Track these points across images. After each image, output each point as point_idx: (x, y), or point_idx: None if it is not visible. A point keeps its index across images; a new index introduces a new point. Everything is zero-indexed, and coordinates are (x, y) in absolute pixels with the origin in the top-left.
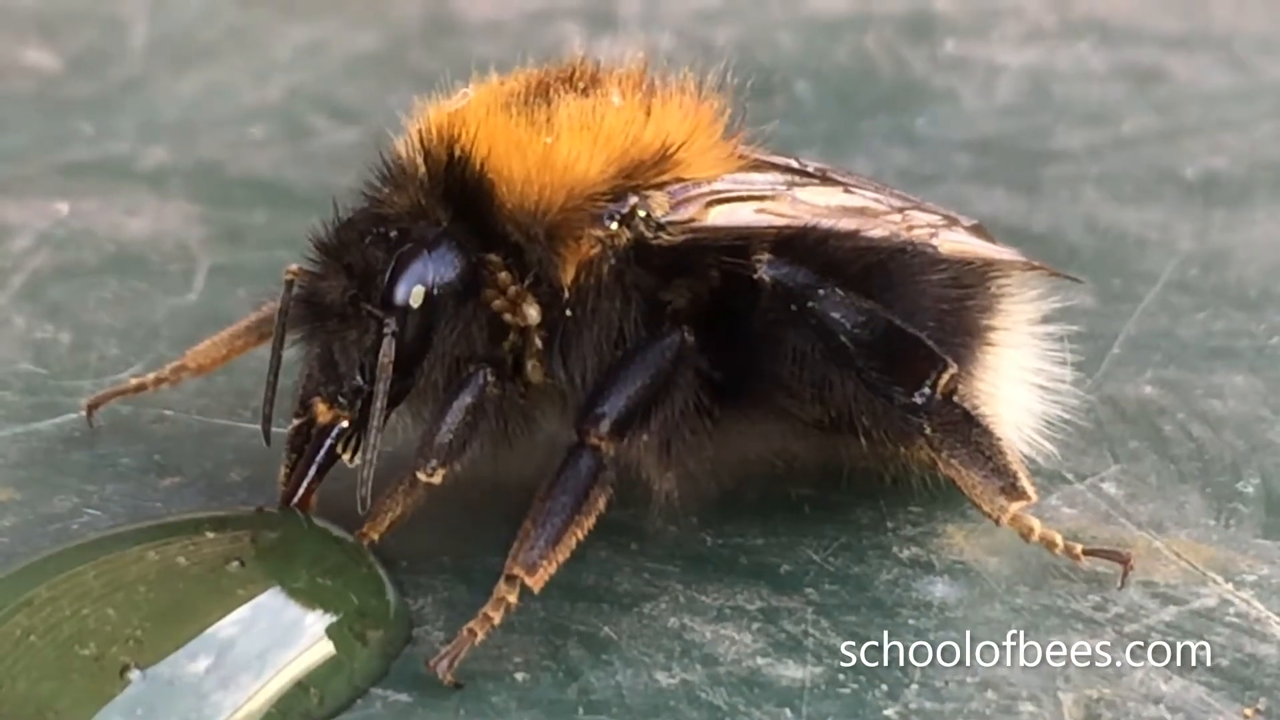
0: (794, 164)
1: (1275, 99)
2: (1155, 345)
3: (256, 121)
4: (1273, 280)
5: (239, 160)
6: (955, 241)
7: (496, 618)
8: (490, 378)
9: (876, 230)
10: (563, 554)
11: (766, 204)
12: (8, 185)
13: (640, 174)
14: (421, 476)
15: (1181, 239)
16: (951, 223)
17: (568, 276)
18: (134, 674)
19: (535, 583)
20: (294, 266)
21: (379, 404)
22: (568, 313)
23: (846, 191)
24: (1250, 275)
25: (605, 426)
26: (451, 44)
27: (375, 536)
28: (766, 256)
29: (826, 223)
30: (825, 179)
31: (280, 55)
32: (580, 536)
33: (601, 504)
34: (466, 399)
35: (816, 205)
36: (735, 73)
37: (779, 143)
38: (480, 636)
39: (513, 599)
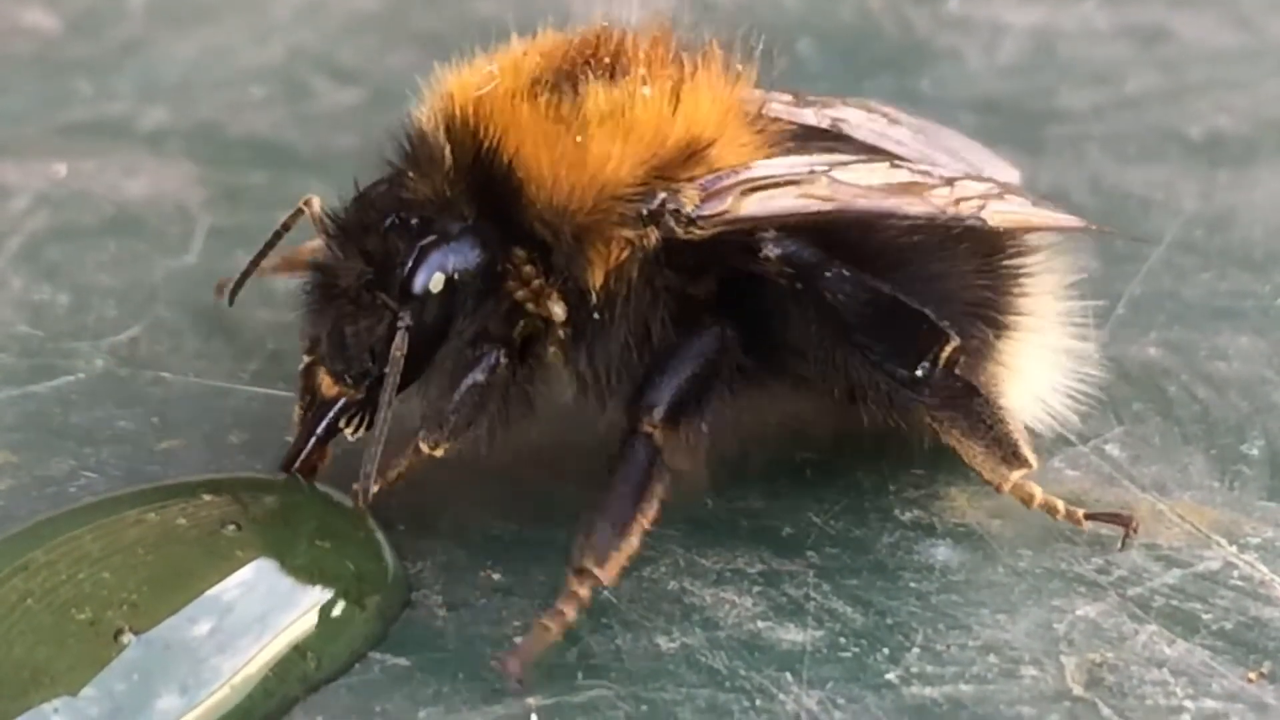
0: (832, 119)
1: None
2: (1160, 306)
3: (256, 82)
4: (1278, 240)
5: (238, 121)
6: (1005, 212)
7: (570, 613)
8: (503, 359)
9: (920, 207)
10: (631, 543)
11: (803, 188)
12: (6, 146)
13: (670, 169)
14: (424, 447)
15: (1186, 199)
16: (1004, 190)
17: (596, 280)
18: (129, 638)
19: (608, 574)
20: (314, 200)
21: (387, 397)
22: (595, 315)
23: (892, 167)
24: (1255, 235)
25: (659, 414)
26: (453, 3)
27: (375, 489)
28: (772, 234)
29: (867, 205)
30: (872, 151)
31: (280, 15)
32: (646, 525)
33: (661, 491)
34: (479, 377)
35: (857, 186)
36: (738, 32)
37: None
38: (555, 632)
39: (585, 592)
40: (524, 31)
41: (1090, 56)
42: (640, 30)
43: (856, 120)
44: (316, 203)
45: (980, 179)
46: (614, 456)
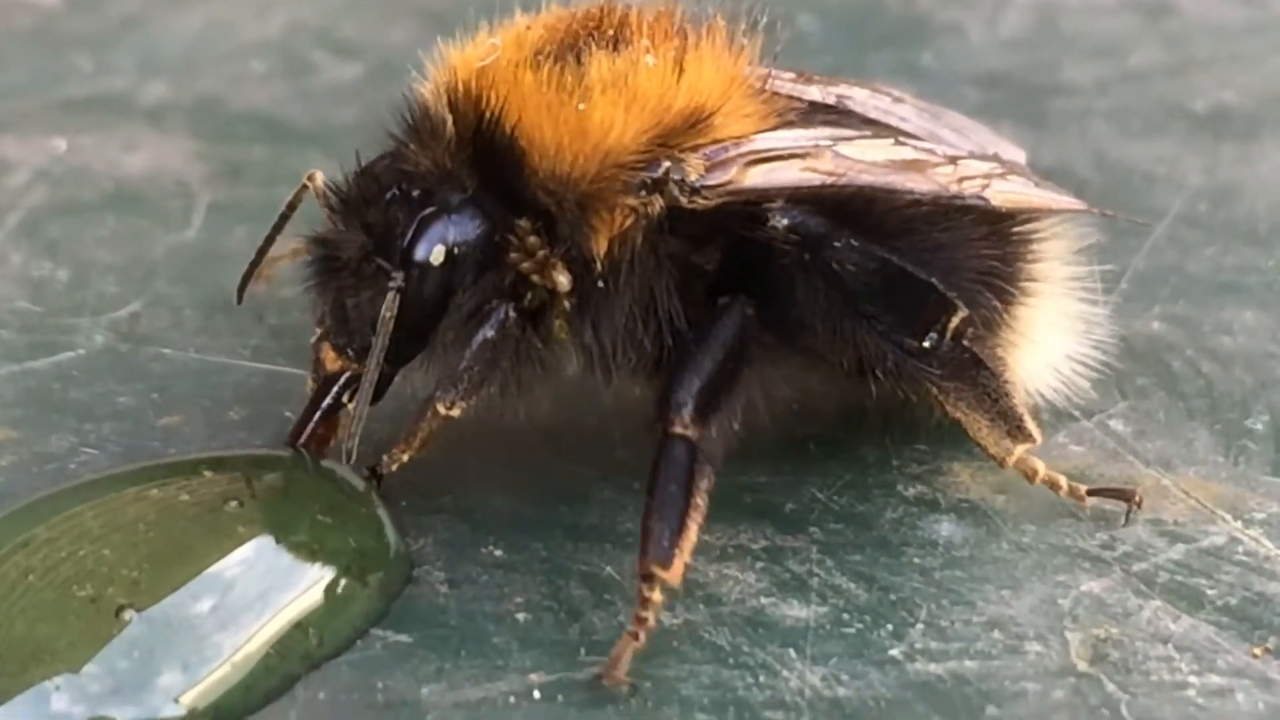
0: (838, 95)
1: None
2: (1164, 281)
3: (256, 57)
4: None
5: (239, 96)
6: (1008, 192)
7: (650, 618)
8: (512, 314)
9: (923, 185)
10: (689, 541)
11: (807, 162)
12: (6, 122)
13: (674, 138)
14: (441, 409)
15: (1190, 173)
16: (1007, 170)
17: (600, 248)
18: (130, 615)
19: (673, 576)
20: (318, 175)
21: (375, 359)
22: (599, 284)
23: (897, 143)
24: (1260, 210)
25: (688, 414)
26: None
27: (404, 459)
28: (779, 204)
29: (870, 180)
30: (877, 127)
31: None
32: (700, 521)
33: (706, 485)
34: (489, 333)
35: (861, 161)
36: (740, 7)
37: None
38: (643, 639)
39: (657, 597)
40: (527, 9)
41: (1094, 30)
42: (643, 6)
43: (861, 98)
44: (319, 177)
45: (984, 158)
46: (653, 460)
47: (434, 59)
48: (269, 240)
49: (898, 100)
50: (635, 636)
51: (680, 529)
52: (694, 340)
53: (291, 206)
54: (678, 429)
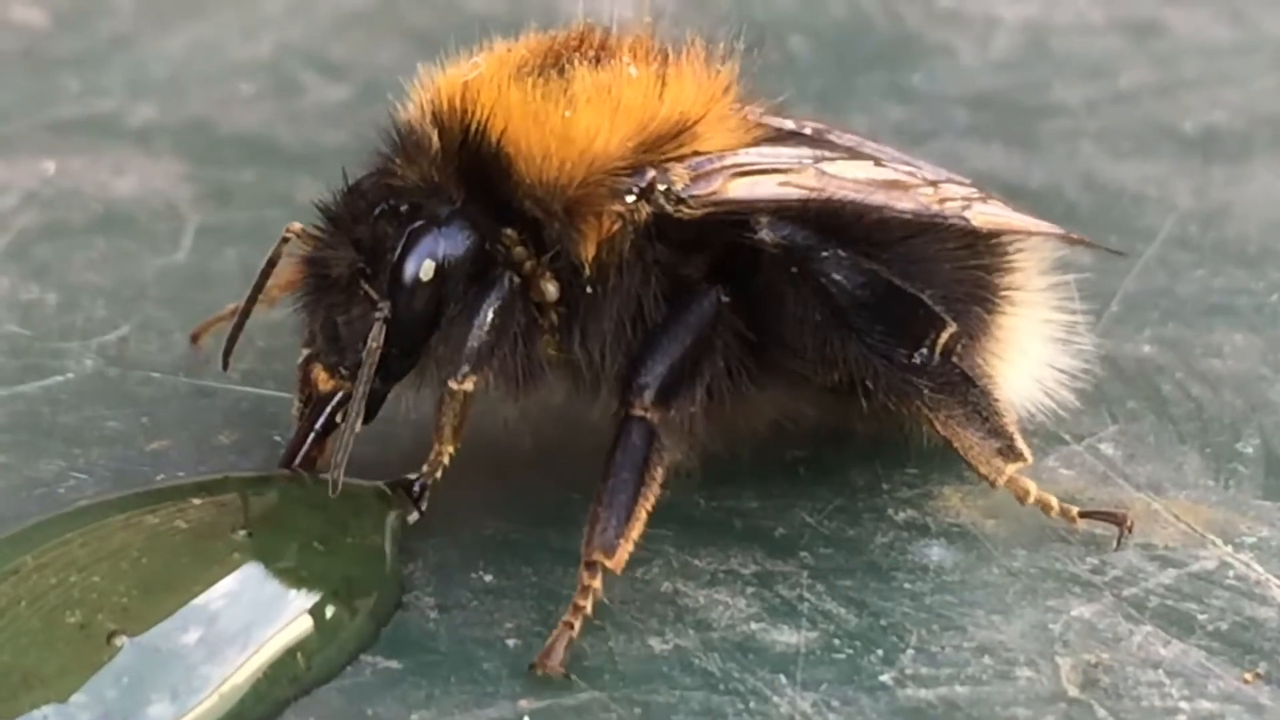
0: (813, 128)
1: (1275, 52)
2: (1154, 303)
3: (246, 78)
4: (1272, 236)
5: (228, 118)
6: (989, 214)
7: (587, 606)
8: (516, 280)
9: (905, 203)
10: (636, 529)
11: (790, 176)
12: None
13: (659, 147)
14: (452, 384)
15: (1180, 195)
16: (986, 195)
17: (588, 253)
18: (121, 641)
19: (616, 564)
20: (296, 226)
21: (362, 387)
22: (587, 290)
23: (877, 165)
24: (1250, 231)
25: (649, 396)
26: None
27: (445, 460)
28: (767, 219)
29: (853, 196)
30: (855, 153)
31: (270, 10)
32: (649, 509)
33: (661, 473)
34: (494, 301)
35: (844, 179)
36: (729, 28)
37: (773, 100)
38: (578, 628)
39: (597, 584)
40: (513, 29)
41: (1083, 51)
42: (623, 27)
43: (835, 130)
44: (298, 227)
45: (963, 182)
46: (611, 441)
47: (417, 80)
48: (251, 299)
49: (868, 139)
50: (570, 626)
51: (629, 517)
52: (661, 324)
53: (271, 262)
54: (638, 410)
